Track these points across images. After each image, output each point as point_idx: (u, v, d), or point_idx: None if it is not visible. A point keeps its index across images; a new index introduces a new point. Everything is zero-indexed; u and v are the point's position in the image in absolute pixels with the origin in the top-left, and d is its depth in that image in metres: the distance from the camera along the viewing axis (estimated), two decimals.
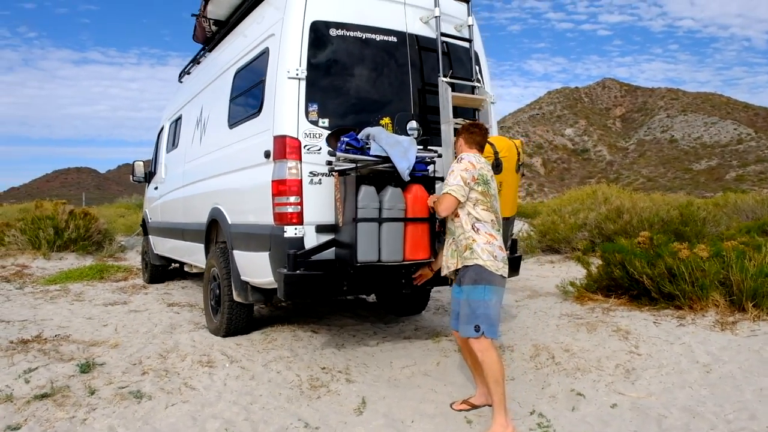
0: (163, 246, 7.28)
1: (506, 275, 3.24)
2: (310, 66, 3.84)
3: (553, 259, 10.65)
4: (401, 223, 3.56)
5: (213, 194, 5.05)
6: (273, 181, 3.79)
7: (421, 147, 3.91)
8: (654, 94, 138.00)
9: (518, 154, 3.99)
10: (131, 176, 8.45)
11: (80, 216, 11.25)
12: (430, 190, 3.70)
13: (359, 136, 3.59)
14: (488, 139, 3.87)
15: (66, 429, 3.07)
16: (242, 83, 4.65)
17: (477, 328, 3.09)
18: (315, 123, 3.82)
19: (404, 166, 3.50)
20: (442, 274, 3.40)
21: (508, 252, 4.64)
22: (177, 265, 7.65)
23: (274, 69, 3.91)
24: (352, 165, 3.49)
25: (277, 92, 3.83)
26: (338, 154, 3.51)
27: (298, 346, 4.53)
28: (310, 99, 3.82)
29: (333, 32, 3.96)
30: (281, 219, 3.78)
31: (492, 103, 4.72)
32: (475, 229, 3.18)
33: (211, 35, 5.84)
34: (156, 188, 7.66)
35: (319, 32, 3.90)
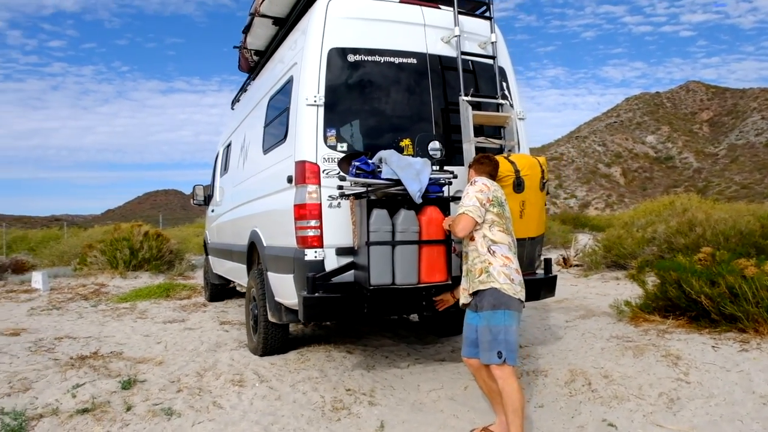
0: (219, 266, 7.63)
1: (524, 299, 3.16)
2: (328, 92, 3.93)
3: (619, 275, 10.11)
4: (415, 245, 3.53)
5: (252, 217, 5.25)
6: (294, 206, 3.89)
7: (437, 168, 3.87)
8: (746, 95, 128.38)
9: (542, 171, 3.86)
10: (192, 199, 8.94)
11: (153, 237, 12.01)
12: (446, 211, 3.66)
13: (372, 160, 3.62)
14: (509, 158, 3.80)
15: None
16: (273, 110, 4.84)
17: (500, 355, 3.00)
18: (333, 148, 3.89)
19: (415, 188, 3.48)
20: (460, 305, 3.33)
21: (541, 272, 4.52)
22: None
23: (296, 96, 4.04)
24: (364, 189, 3.52)
25: (298, 119, 3.95)
26: (349, 178, 3.55)
27: (330, 366, 4.58)
28: (328, 124, 3.90)
29: (351, 58, 4.03)
30: (303, 242, 3.87)
31: (521, 119, 4.62)
32: (491, 251, 3.13)
33: (254, 64, 6.12)
34: (212, 210, 8.06)
35: (336, 59, 3.99)
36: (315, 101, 3.88)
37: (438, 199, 3.68)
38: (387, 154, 3.59)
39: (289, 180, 4.01)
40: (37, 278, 10.17)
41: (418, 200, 3.52)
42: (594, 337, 5.40)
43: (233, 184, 6.45)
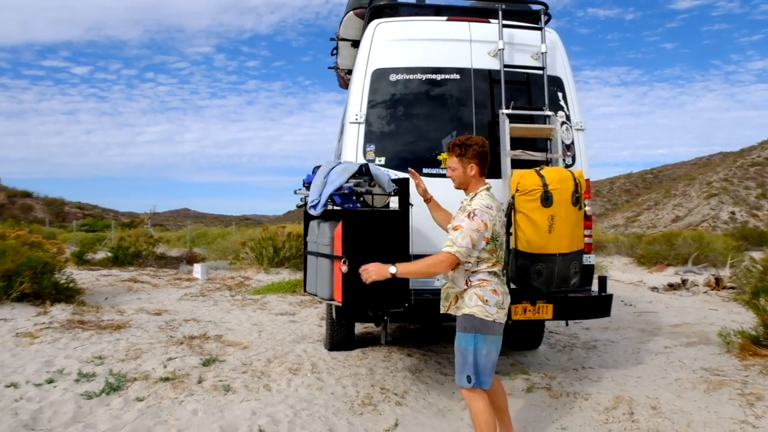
0: None
1: (502, 321, 2.99)
2: (370, 110, 4.23)
3: None
4: (327, 259, 3.47)
5: None
6: None
7: (359, 179, 3.63)
8: None
9: (575, 185, 3.71)
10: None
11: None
12: (354, 225, 3.34)
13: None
14: (540, 171, 3.74)
15: (167, 406, 3.98)
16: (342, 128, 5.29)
17: (468, 379, 2.92)
18: (371, 161, 4.19)
19: (312, 198, 3.43)
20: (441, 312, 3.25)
21: (593, 290, 4.30)
22: None
23: (345, 114, 4.42)
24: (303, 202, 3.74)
25: (345, 135, 4.32)
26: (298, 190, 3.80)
27: (381, 366, 4.87)
28: (368, 140, 4.21)
29: (393, 77, 4.29)
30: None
31: (579, 129, 4.45)
32: (469, 283, 3.00)
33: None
34: None
35: (379, 79, 4.27)
36: (356, 119, 4.22)
37: (343, 211, 3.45)
38: (324, 164, 3.58)
39: (295, 192, 4.40)
40: (197, 269, 11.99)
41: (312, 211, 3.45)
42: (680, 366, 4.91)
43: None
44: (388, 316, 3.53)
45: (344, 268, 3.26)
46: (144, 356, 5.09)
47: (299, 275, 12.34)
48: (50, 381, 4.35)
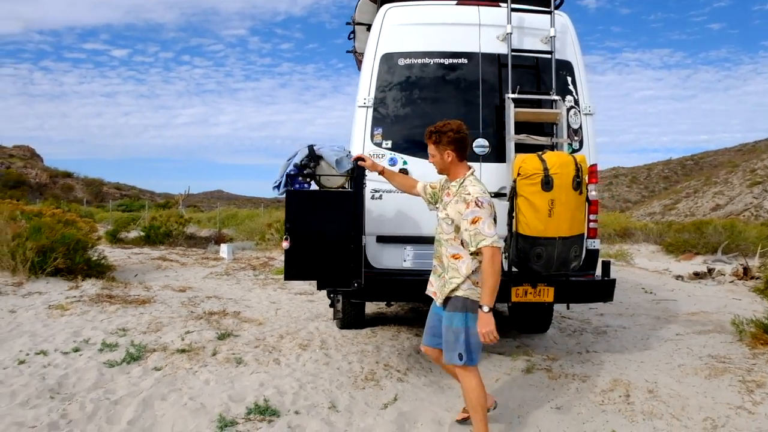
0: None
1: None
2: (378, 94, 4.32)
3: None
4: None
5: None
6: None
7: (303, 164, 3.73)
8: None
9: (577, 170, 3.74)
10: None
11: None
12: (295, 205, 3.62)
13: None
14: (542, 156, 3.78)
15: (182, 375, 4.22)
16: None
17: (460, 357, 3.00)
18: (379, 145, 4.28)
19: (275, 179, 3.72)
20: (429, 294, 3.30)
21: (597, 274, 4.32)
22: None
23: (355, 98, 4.52)
24: None
25: (354, 119, 4.43)
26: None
27: (388, 344, 5.01)
28: (376, 124, 4.30)
29: (401, 62, 4.36)
30: None
31: (587, 114, 4.45)
32: (473, 274, 3.01)
33: None
34: None
35: (387, 63, 4.35)
36: (365, 103, 4.31)
37: (291, 191, 3.65)
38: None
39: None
40: (224, 249, 12.35)
41: (275, 192, 3.71)
42: (687, 353, 4.91)
43: None
44: (336, 294, 3.77)
45: (285, 244, 3.55)
46: (164, 329, 5.35)
47: None
48: (76, 350, 4.64)
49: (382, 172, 3.63)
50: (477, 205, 2.91)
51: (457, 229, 3.00)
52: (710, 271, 10.75)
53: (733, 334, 5.45)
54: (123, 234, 15.14)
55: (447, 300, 3.08)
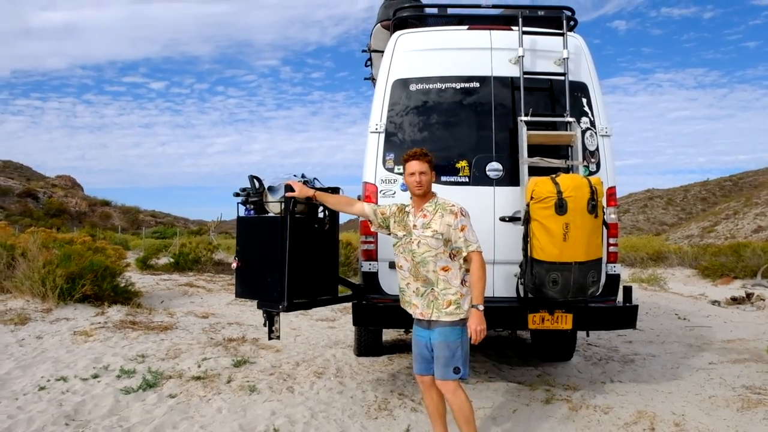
0: None
1: None
2: (390, 120, 4.32)
3: None
4: None
5: None
6: (360, 222, 4.37)
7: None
8: None
9: (591, 193, 3.64)
10: None
11: (344, 245, 13.58)
12: (241, 229, 3.98)
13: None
14: (556, 179, 3.70)
15: (195, 403, 4.21)
16: None
17: (456, 371, 3.03)
18: (391, 170, 4.27)
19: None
20: (414, 317, 3.24)
21: (618, 300, 4.17)
22: None
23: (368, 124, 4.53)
24: None
25: (366, 145, 4.43)
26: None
27: (404, 372, 4.91)
28: (387, 149, 4.29)
29: (413, 87, 4.36)
30: (363, 255, 4.33)
31: (604, 136, 4.36)
32: (464, 282, 3.12)
33: None
34: None
35: (399, 89, 4.35)
36: (377, 129, 4.32)
37: (239, 217, 3.99)
38: None
39: (359, 198, 4.51)
40: None
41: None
42: (719, 384, 4.67)
43: None
44: (269, 314, 3.91)
45: (234, 265, 3.93)
46: (182, 356, 5.37)
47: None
48: (95, 376, 4.69)
49: (313, 197, 3.63)
50: (462, 214, 3.13)
51: (446, 242, 3.10)
52: (749, 296, 10.30)
53: None
54: (153, 260, 15.42)
55: (441, 320, 3.08)
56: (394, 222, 3.30)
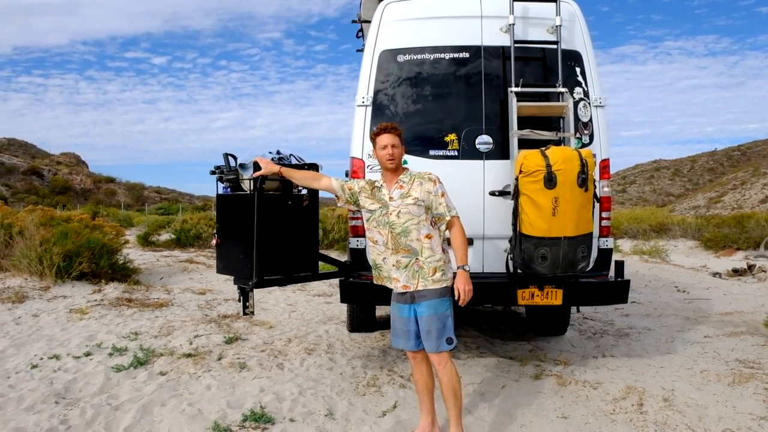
0: None
1: None
2: (377, 93, 4.21)
3: None
4: None
5: None
6: None
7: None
8: None
9: (582, 166, 3.54)
10: None
11: (344, 220, 13.54)
12: (219, 207, 4.08)
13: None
14: (545, 152, 3.61)
15: (185, 380, 4.21)
16: None
17: (449, 341, 3.03)
18: None
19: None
20: (396, 291, 3.17)
21: (606, 274, 4.11)
22: None
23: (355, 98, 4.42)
24: None
25: (353, 119, 4.33)
26: None
27: (393, 348, 4.89)
28: (375, 123, 4.18)
29: (401, 58, 4.23)
30: (351, 231, 4.27)
31: (598, 106, 4.23)
32: (445, 249, 3.12)
33: None
34: None
35: (386, 60, 4.23)
36: (363, 102, 4.21)
37: (218, 195, 4.08)
38: None
39: (346, 174, 4.43)
40: None
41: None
42: (713, 358, 4.63)
43: None
44: (242, 290, 3.93)
45: (213, 242, 4.03)
46: (175, 333, 5.38)
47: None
48: (88, 354, 4.70)
49: (280, 173, 3.55)
50: (439, 182, 3.16)
51: (427, 209, 3.10)
52: (750, 267, 10.21)
53: (767, 336, 5.12)
54: (155, 237, 15.45)
55: (427, 290, 3.06)
56: (365, 197, 3.24)
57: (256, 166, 3.57)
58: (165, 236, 16.04)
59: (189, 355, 4.68)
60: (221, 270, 4.10)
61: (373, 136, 3.20)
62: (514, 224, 3.80)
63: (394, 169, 3.16)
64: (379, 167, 4.10)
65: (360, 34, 6.12)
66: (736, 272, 10.10)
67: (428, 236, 3.08)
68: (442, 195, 3.12)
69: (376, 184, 3.26)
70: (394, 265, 3.11)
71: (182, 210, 28.52)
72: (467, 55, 4.21)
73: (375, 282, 3.30)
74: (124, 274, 8.50)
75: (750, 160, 77.64)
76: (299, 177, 3.59)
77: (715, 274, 10.18)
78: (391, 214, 3.11)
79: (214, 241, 4.00)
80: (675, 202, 64.31)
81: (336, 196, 3.43)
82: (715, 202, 58.70)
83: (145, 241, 14.57)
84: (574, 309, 4.81)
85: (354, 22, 5.87)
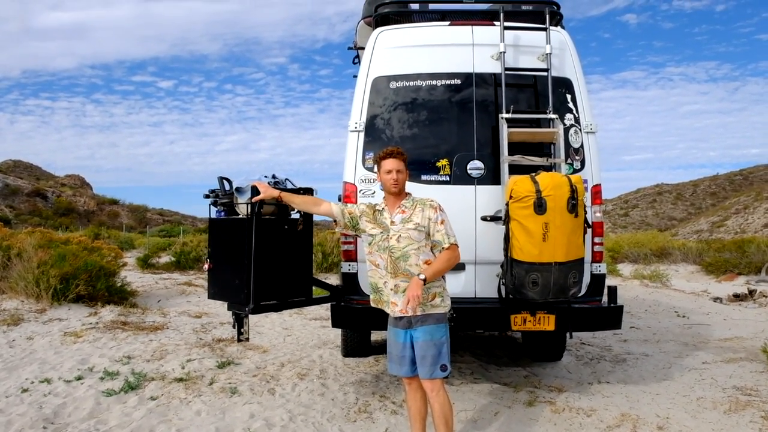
0: None
1: None
2: (370, 118, 4.25)
3: None
4: None
5: None
6: None
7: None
8: None
9: (572, 192, 3.55)
10: None
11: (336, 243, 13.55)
12: (212, 231, 4.04)
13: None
14: (535, 177, 3.63)
15: (175, 405, 4.17)
16: None
17: (443, 368, 3.00)
18: (371, 169, 4.20)
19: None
20: (394, 315, 3.13)
21: (600, 300, 4.09)
22: None
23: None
24: None
25: (347, 144, 4.37)
26: None
27: (388, 373, 4.83)
28: (367, 148, 4.22)
29: (393, 84, 4.29)
30: (344, 256, 4.27)
31: (589, 132, 4.26)
32: (443, 277, 3.12)
33: None
34: None
35: (379, 87, 4.28)
36: (356, 127, 4.26)
37: (211, 219, 4.03)
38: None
39: (339, 199, 4.45)
40: None
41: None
42: (710, 385, 4.57)
43: None
44: (237, 316, 3.88)
45: (205, 267, 3.95)
46: (168, 357, 5.35)
47: None
48: (79, 378, 4.67)
49: (279, 198, 3.54)
50: (441, 209, 3.16)
51: (428, 235, 3.10)
52: (752, 292, 10.14)
53: (765, 362, 5.06)
54: (155, 259, 15.46)
55: (425, 316, 3.03)
56: (366, 221, 3.23)
57: (255, 191, 3.57)
58: (165, 258, 16.05)
59: (180, 380, 4.65)
60: (213, 296, 4.03)
61: (378, 160, 3.22)
62: (506, 249, 3.80)
63: (398, 193, 3.18)
64: (371, 192, 4.17)
65: (356, 60, 6.21)
66: (737, 297, 10.02)
67: (427, 262, 3.06)
68: (442, 222, 3.10)
69: (378, 207, 3.26)
70: (392, 289, 3.11)
71: (184, 232, 28.56)
72: (459, 81, 4.26)
73: (373, 305, 3.29)
74: (121, 296, 8.49)
75: (752, 185, 77.60)
76: (299, 202, 3.60)
77: (716, 299, 10.11)
78: (391, 238, 3.11)
79: (206, 266, 3.94)
80: (678, 226, 64.14)
81: (334, 221, 3.41)
82: (719, 227, 58.51)
83: (145, 264, 14.58)
84: (569, 334, 4.76)
85: (350, 48, 5.96)
